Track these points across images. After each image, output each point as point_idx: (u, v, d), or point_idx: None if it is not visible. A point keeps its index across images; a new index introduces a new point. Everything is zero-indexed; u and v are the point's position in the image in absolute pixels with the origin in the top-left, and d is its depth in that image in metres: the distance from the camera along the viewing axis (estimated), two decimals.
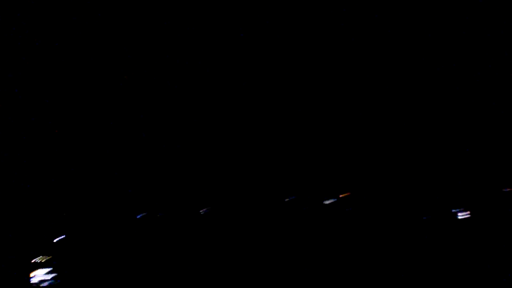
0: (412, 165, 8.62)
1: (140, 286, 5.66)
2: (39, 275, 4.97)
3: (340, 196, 8.99)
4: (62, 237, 5.41)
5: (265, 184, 9.32)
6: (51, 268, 4.99)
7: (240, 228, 8.07)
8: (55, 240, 5.30)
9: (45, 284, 4.94)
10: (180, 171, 8.63)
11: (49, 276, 4.96)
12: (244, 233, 7.98)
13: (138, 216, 7.06)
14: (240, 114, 9.32)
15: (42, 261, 5.02)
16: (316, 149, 9.15)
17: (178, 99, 9.04)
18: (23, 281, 4.85)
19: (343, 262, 7.42)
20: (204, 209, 8.96)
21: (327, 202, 8.63)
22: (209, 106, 9.28)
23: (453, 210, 7.59)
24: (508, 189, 8.23)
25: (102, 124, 8.12)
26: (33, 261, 4.98)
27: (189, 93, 9.21)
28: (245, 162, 9.03)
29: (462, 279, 6.69)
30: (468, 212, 7.54)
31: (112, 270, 5.43)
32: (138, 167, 8.20)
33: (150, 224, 7.02)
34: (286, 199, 9.04)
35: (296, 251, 7.72)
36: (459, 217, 7.38)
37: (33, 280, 4.94)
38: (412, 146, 8.78)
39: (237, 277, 6.78)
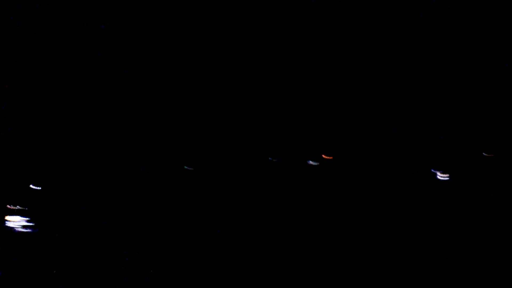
0: (394, 127, 8.66)
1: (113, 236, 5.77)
2: (14, 220, 5.08)
3: (324, 157, 9.06)
4: (38, 188, 5.52)
5: (250, 145, 9.40)
6: (27, 218, 5.11)
7: (227, 187, 8.15)
8: (31, 186, 5.39)
9: (20, 229, 5.06)
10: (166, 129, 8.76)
11: (24, 223, 5.07)
12: (230, 193, 8.06)
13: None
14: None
15: (17, 208, 5.13)
16: (301, 113, 9.21)
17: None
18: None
19: (326, 225, 7.43)
20: (189, 168, 9.06)
21: (311, 162, 8.70)
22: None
23: (432, 170, 7.67)
24: (487, 155, 8.29)
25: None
26: (9, 206, 5.10)
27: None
28: (230, 123, 9.10)
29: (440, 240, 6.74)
30: (448, 175, 7.62)
31: (86, 224, 5.54)
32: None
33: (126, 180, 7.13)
34: (271, 160, 9.11)
35: (280, 213, 7.77)
36: (439, 178, 7.46)
37: (8, 224, 5.07)
38: (393, 110, 8.82)
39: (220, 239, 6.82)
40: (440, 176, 7.51)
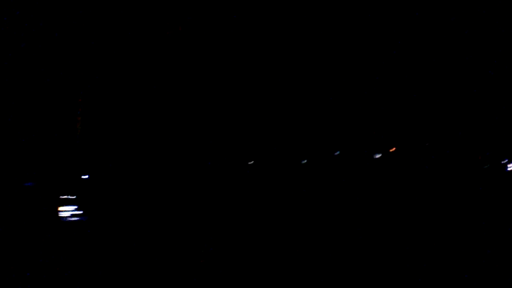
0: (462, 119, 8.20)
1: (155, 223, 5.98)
2: (67, 210, 5.45)
3: (390, 150, 8.76)
4: (86, 177, 5.91)
5: (315, 139, 9.32)
6: (76, 206, 5.43)
7: (291, 178, 8.18)
8: (82, 177, 5.79)
9: (75, 218, 5.42)
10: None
11: (77, 212, 5.42)
12: (295, 184, 8.08)
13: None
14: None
15: (69, 197, 5.49)
16: (364, 106, 8.98)
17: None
18: (53, 215, 5.37)
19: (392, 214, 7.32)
20: (252, 162, 9.18)
21: (376, 156, 8.47)
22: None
23: (502, 162, 7.15)
24: None
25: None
26: (62, 197, 5.48)
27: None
28: (298, 116, 9.11)
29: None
30: None
31: (133, 211, 5.79)
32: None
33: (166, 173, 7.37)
34: (335, 153, 8.98)
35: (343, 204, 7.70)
36: (509, 168, 6.96)
37: (62, 215, 5.44)
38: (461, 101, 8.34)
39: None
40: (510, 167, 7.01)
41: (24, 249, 5.24)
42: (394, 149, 8.52)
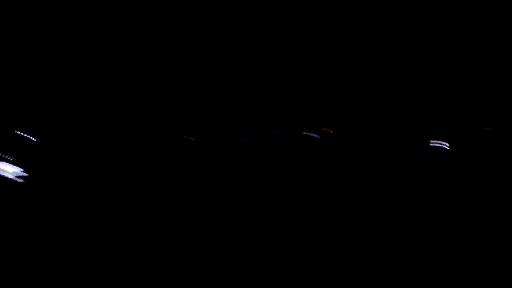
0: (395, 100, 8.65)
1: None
2: (4, 169, 5.22)
3: (320, 128, 9.06)
4: (33, 139, 5.68)
5: (250, 115, 9.47)
6: (22, 168, 5.24)
7: (226, 158, 8.25)
8: (20, 133, 5.55)
9: (20, 180, 5.22)
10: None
11: (16, 172, 5.21)
12: (228, 163, 8.14)
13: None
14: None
15: (10, 158, 5.28)
16: (301, 84, 9.25)
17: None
18: None
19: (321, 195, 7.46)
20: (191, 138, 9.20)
21: (306, 133, 8.68)
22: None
23: (431, 143, 7.61)
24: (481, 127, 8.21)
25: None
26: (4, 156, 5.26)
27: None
28: (232, 94, 9.21)
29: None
30: (447, 145, 7.58)
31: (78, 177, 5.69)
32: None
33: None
34: (268, 130, 9.16)
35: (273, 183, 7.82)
36: (431, 144, 7.40)
37: (4, 174, 5.23)
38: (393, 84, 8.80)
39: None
40: (435, 144, 7.46)
41: None
42: (328, 130, 8.82)
